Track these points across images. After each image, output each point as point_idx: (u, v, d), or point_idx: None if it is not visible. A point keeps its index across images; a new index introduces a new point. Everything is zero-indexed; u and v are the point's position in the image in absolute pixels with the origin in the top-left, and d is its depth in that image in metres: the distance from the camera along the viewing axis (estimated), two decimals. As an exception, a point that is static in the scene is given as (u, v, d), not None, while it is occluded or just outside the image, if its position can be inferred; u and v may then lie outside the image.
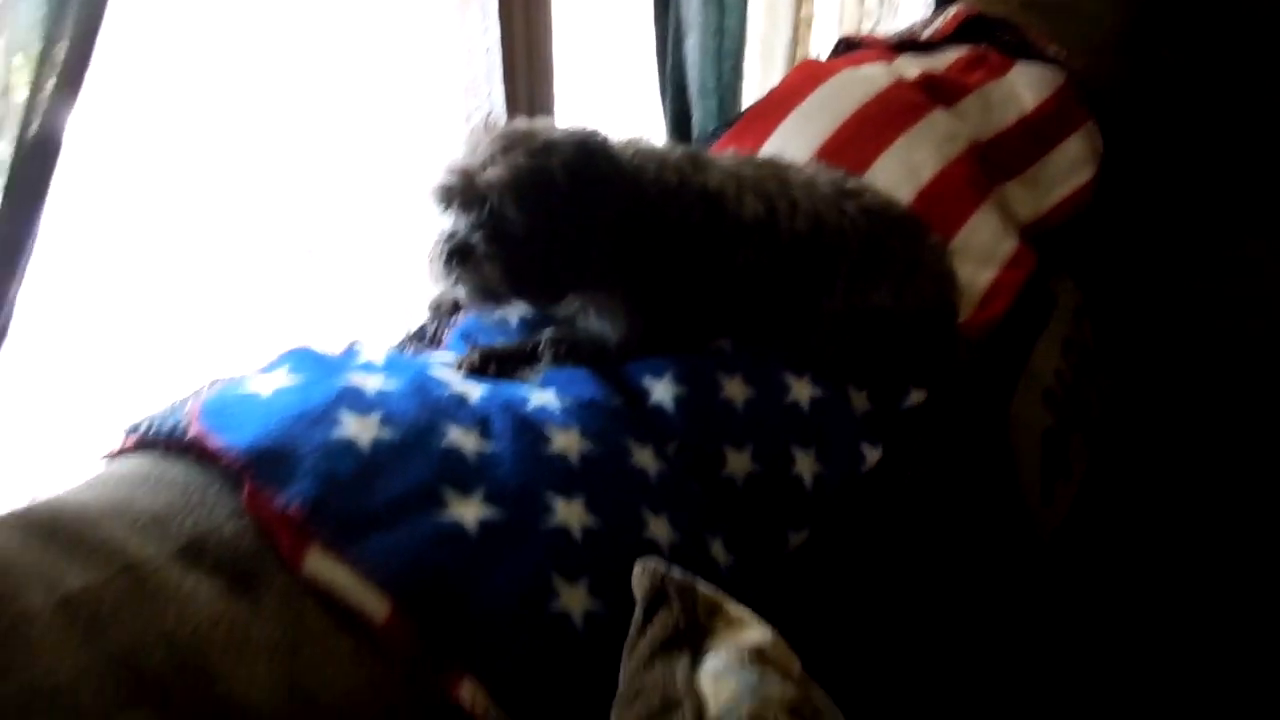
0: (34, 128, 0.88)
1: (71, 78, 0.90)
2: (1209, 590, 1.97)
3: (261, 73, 1.34)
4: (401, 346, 1.35)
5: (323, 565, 0.90)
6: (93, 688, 0.75)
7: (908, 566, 1.36)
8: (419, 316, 1.45)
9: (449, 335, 1.36)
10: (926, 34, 2.11)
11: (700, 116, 1.81)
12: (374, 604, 0.89)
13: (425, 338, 1.38)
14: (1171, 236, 2.47)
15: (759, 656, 0.77)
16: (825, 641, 1.03)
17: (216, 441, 0.96)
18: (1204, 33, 2.74)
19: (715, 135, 1.80)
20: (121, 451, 1.02)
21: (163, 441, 0.99)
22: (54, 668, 0.75)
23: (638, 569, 0.85)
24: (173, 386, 1.10)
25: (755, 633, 0.80)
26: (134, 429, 1.02)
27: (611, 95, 1.91)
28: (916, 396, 1.38)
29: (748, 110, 1.82)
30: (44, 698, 0.73)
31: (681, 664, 0.76)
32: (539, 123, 1.26)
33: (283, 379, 1.06)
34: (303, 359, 1.11)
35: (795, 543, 1.22)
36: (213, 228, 1.36)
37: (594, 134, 1.25)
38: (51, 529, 0.88)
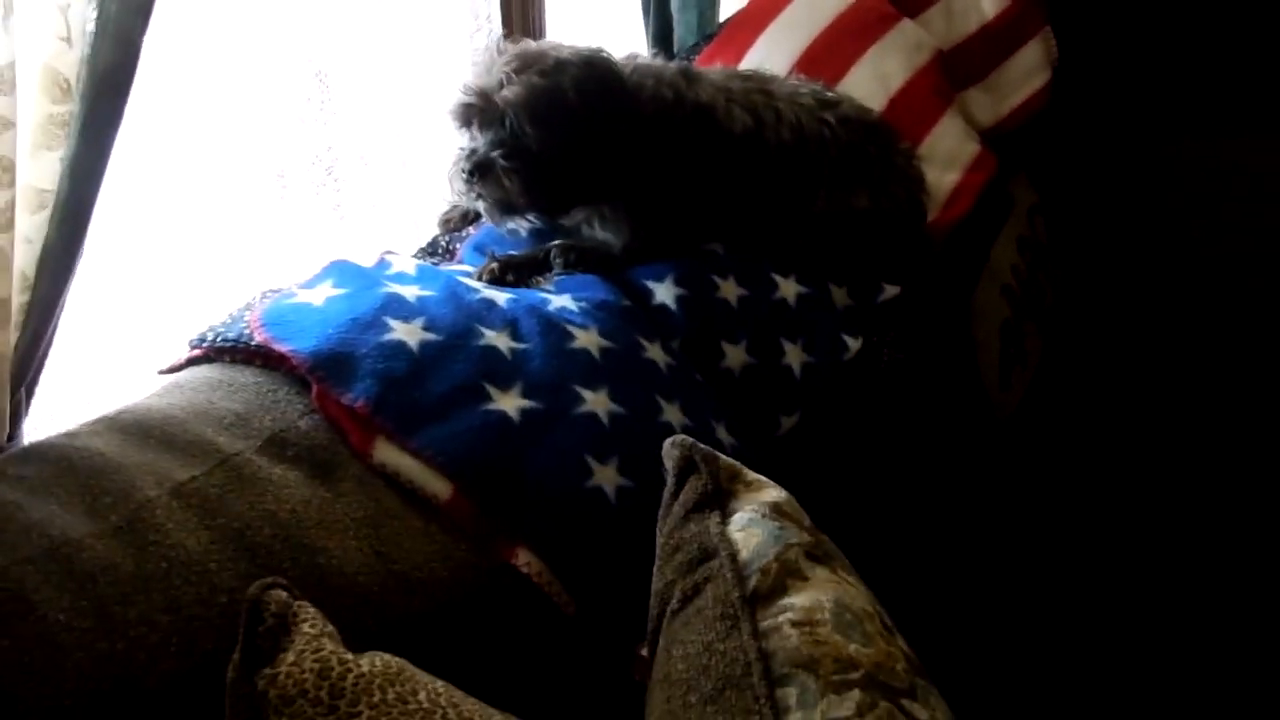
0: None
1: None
2: (1155, 472, 2.16)
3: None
4: (417, 258, 1.45)
5: (390, 454, 1.02)
6: (217, 559, 0.88)
7: (884, 445, 1.52)
8: (428, 231, 1.55)
9: (462, 248, 1.46)
10: (893, -57, 2.18)
11: (681, 31, 1.90)
12: (437, 485, 1.02)
13: (437, 251, 1.49)
14: (1120, 136, 2.60)
15: (777, 510, 0.91)
16: (816, 511, 1.18)
17: (283, 347, 1.06)
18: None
19: (695, 49, 1.88)
20: (189, 362, 1.13)
21: (229, 349, 1.10)
22: (183, 543, 0.87)
23: (667, 444, 0.98)
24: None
25: (772, 492, 0.94)
26: (199, 340, 1.12)
27: (597, 10, 1.98)
28: (891, 291, 1.51)
29: (726, 23, 1.91)
30: (180, 569, 0.85)
31: (713, 519, 0.90)
32: (546, 43, 1.35)
33: (330, 290, 1.17)
34: (345, 271, 1.21)
35: (787, 426, 1.37)
36: (204, 153, 1.41)
37: (599, 53, 1.34)
38: (144, 431, 0.99)
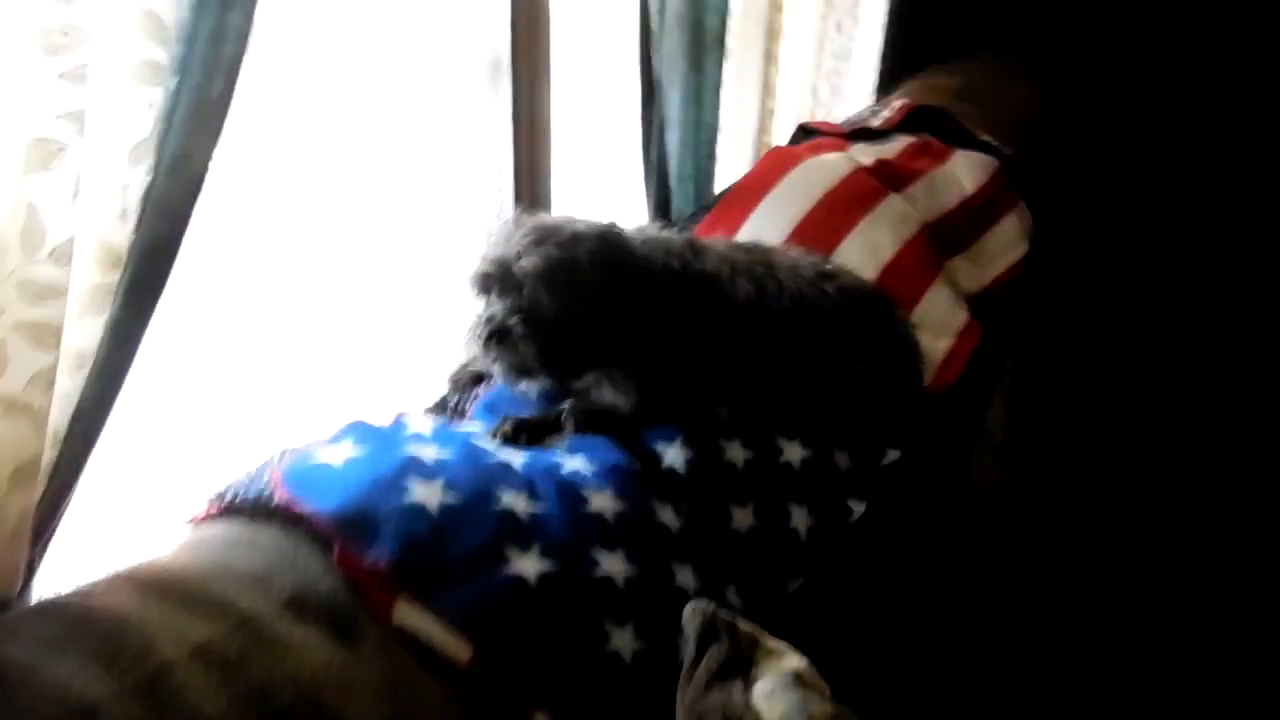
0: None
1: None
2: (1144, 618, 2.18)
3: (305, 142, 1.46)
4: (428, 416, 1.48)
5: (410, 615, 1.03)
6: (237, 724, 0.87)
7: (887, 603, 1.52)
8: (438, 390, 1.59)
9: (472, 407, 1.50)
10: (877, 123, 2.33)
11: (679, 201, 2.00)
12: (457, 647, 1.02)
13: (447, 409, 1.52)
14: (1095, 298, 2.74)
15: (799, 679, 0.92)
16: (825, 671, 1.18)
17: (304, 507, 1.08)
18: (1108, 112, 3.06)
19: (694, 218, 1.98)
20: (207, 517, 1.13)
21: (249, 507, 1.11)
22: (201, 706, 0.87)
23: (688, 610, 1.00)
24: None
25: (793, 660, 0.95)
26: (219, 496, 1.14)
27: (601, 180, 2.08)
28: (893, 455, 1.55)
29: (723, 194, 2.01)
30: (199, 734, 0.85)
31: (736, 688, 0.91)
32: (562, 217, 1.42)
33: (350, 450, 1.19)
34: (363, 431, 1.24)
35: (793, 588, 1.38)
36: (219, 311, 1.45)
37: (612, 226, 1.41)
38: (163, 588, 1.00)
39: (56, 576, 1.22)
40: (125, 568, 1.03)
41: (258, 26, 1.09)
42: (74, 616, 0.94)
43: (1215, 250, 3.09)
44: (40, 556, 1.08)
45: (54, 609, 0.96)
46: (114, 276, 1.00)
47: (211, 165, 1.09)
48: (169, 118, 1.03)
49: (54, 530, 1.08)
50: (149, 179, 1.02)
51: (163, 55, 0.98)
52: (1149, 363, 2.82)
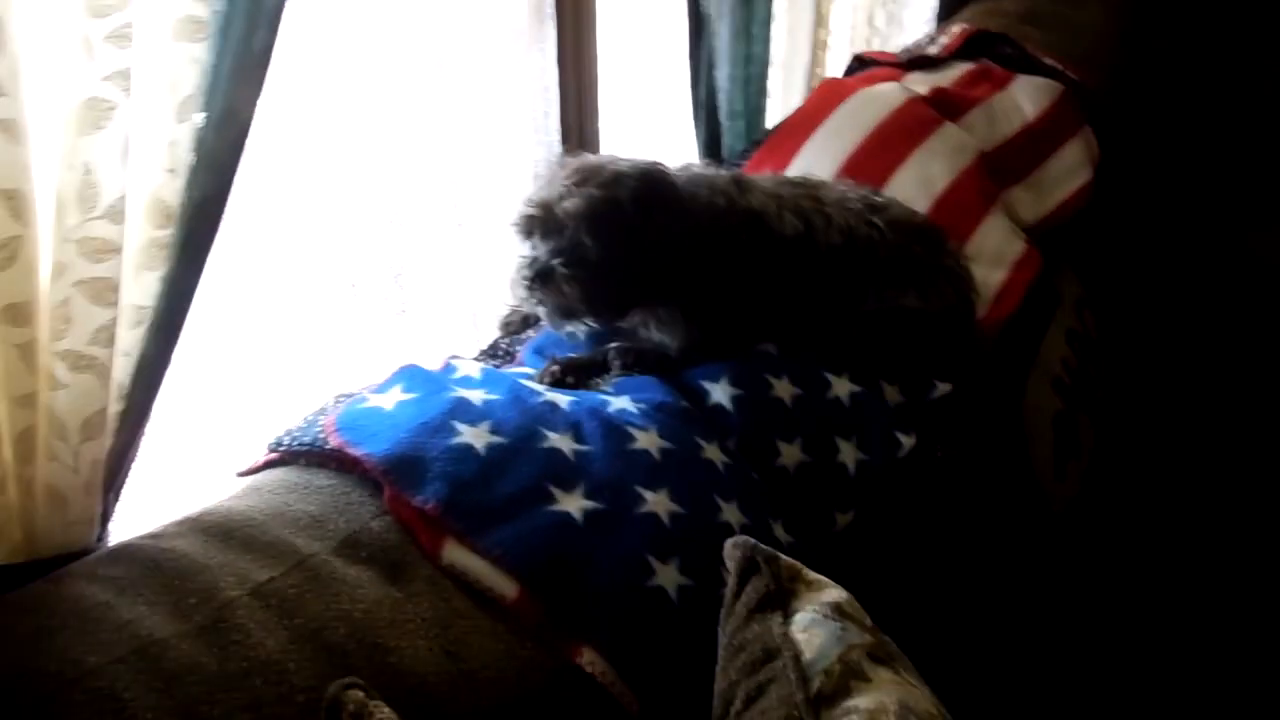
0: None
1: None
2: (1208, 561, 2.14)
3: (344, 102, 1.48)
4: (478, 361, 1.51)
5: (459, 554, 1.06)
6: (295, 659, 0.91)
7: (939, 541, 1.52)
8: (490, 334, 1.61)
9: (522, 350, 1.52)
10: (933, 50, 2.26)
11: (730, 138, 1.97)
12: (504, 586, 1.05)
13: (498, 354, 1.54)
14: (1167, 231, 2.64)
15: (839, 611, 0.93)
16: (871, 607, 1.19)
17: (356, 451, 1.11)
18: (1190, 37, 2.91)
19: (744, 154, 1.96)
20: (266, 464, 1.18)
21: (304, 453, 1.15)
22: (263, 643, 0.91)
23: (729, 545, 1.01)
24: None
25: (833, 592, 0.96)
26: (276, 444, 1.18)
27: (650, 120, 2.07)
28: (943, 388, 1.54)
29: (774, 130, 1.98)
30: (260, 669, 0.89)
31: (776, 620, 0.92)
32: (605, 157, 1.42)
33: (400, 394, 1.22)
34: (413, 376, 1.27)
35: (842, 523, 1.38)
36: (283, 265, 1.49)
37: (655, 165, 1.41)
38: (226, 532, 1.04)
39: (130, 522, 1.30)
40: (190, 513, 1.08)
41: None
42: (145, 560, 0.99)
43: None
44: (113, 505, 1.13)
45: (126, 553, 1.01)
46: (167, 232, 1.03)
47: (256, 118, 1.11)
48: (213, 73, 1.05)
49: (125, 479, 1.13)
50: (197, 135, 1.05)
51: (203, 10, 1.00)
52: (1218, 295, 2.71)
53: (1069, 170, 2.13)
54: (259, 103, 1.11)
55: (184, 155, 1.03)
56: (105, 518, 1.11)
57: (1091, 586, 1.97)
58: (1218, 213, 2.80)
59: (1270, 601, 2.05)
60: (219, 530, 1.04)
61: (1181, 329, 2.62)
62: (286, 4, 1.10)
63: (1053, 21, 2.49)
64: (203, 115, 1.03)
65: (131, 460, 1.13)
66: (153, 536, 1.04)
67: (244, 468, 1.20)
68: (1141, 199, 2.50)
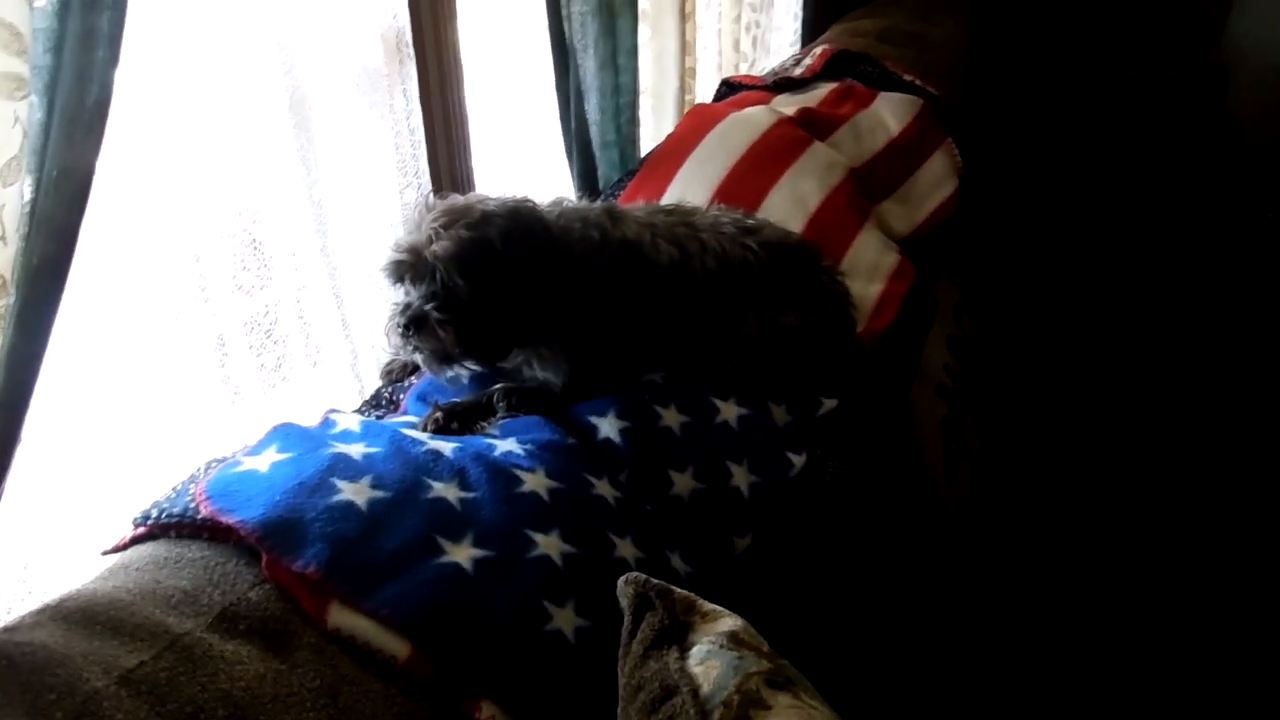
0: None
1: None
2: (1101, 546, 2.22)
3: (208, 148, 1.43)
4: (361, 413, 1.46)
5: (345, 618, 1.01)
6: (169, 749, 0.86)
7: (838, 557, 1.53)
8: (372, 384, 1.57)
9: (406, 398, 1.48)
10: (799, 72, 2.31)
11: (605, 169, 1.97)
12: (395, 645, 1.01)
13: (382, 403, 1.50)
14: (1032, 230, 2.76)
15: (735, 640, 0.92)
16: (774, 629, 1.19)
17: (230, 519, 1.06)
18: (1030, 45, 3.08)
19: (620, 184, 1.96)
20: (133, 540, 1.11)
21: (174, 525, 1.09)
22: (132, 736, 0.85)
23: (621, 582, 0.99)
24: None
25: (728, 621, 0.95)
26: (144, 518, 1.11)
27: (521, 157, 2.05)
28: (829, 404, 1.55)
29: (647, 158, 1.99)
30: (130, 763, 0.83)
31: (673, 655, 0.91)
32: (473, 196, 1.40)
33: (275, 454, 1.17)
34: (288, 434, 1.22)
35: (740, 548, 1.38)
36: (143, 321, 1.42)
37: (524, 201, 1.39)
38: (89, 617, 0.97)
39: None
40: (52, 600, 1.01)
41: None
42: (-4, 658, 0.92)
43: (1143, 176, 3.14)
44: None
45: (-25, 648, 0.94)
46: (2, 303, 0.97)
47: (95, 176, 1.06)
48: (44, 130, 1.00)
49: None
50: (29, 197, 0.99)
51: (23, 67, 0.94)
52: (1088, 290, 2.86)
53: (935, 181, 2.20)
54: (98, 159, 1.06)
55: (15, 220, 0.97)
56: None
57: (993, 589, 2.01)
58: (1078, 207, 2.95)
59: (1158, 582, 2.13)
60: (81, 616, 0.97)
61: (1054, 325, 2.73)
62: (120, 57, 1.06)
63: (908, 39, 2.58)
64: (32, 177, 0.98)
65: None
66: (5, 630, 0.96)
67: (109, 546, 1.13)
68: (1004, 202, 2.60)
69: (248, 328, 1.51)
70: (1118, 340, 2.79)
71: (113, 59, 1.05)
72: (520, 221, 1.35)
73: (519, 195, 1.41)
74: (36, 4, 0.95)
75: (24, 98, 0.94)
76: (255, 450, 1.20)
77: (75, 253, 1.05)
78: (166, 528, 1.10)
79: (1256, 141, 3.24)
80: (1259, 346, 2.79)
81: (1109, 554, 2.21)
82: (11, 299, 0.98)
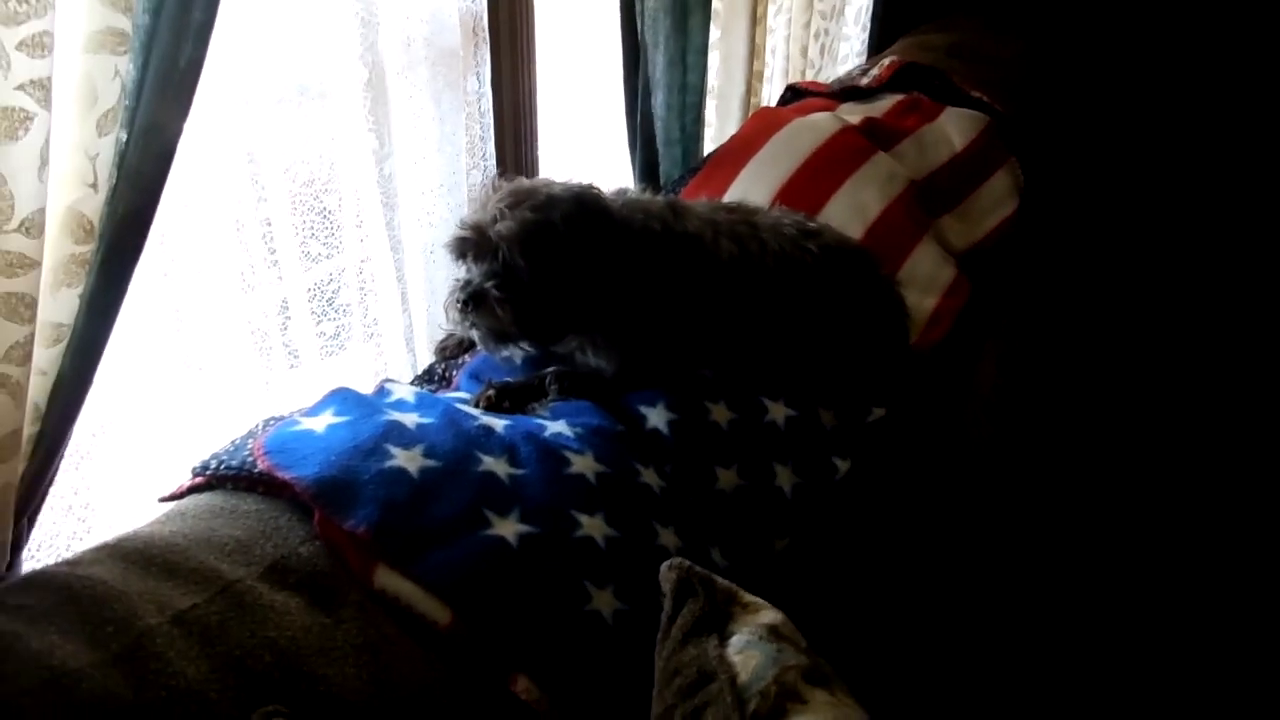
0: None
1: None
2: (1134, 557, 2.19)
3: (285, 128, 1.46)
4: (415, 385, 1.48)
5: (390, 580, 1.04)
6: (217, 687, 0.88)
7: (875, 559, 1.53)
8: (425, 359, 1.59)
9: (458, 375, 1.50)
10: (865, 82, 2.31)
11: (667, 165, 1.99)
12: (437, 611, 1.03)
13: (435, 378, 1.53)
14: (1088, 252, 2.73)
15: (774, 633, 0.93)
16: (809, 628, 1.19)
17: (285, 475, 1.09)
18: (1098, 67, 3.05)
19: (681, 181, 1.97)
20: (191, 489, 1.14)
21: (231, 477, 1.12)
22: (183, 671, 0.88)
23: (664, 568, 1.00)
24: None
25: (768, 614, 0.96)
26: (203, 468, 1.14)
27: (587, 146, 2.07)
28: (878, 413, 1.55)
29: (709, 158, 2.00)
30: (180, 699, 0.86)
31: (712, 643, 0.92)
32: (539, 180, 1.42)
33: (331, 417, 1.20)
34: (345, 399, 1.24)
35: (779, 547, 1.38)
36: (210, 282, 1.45)
37: (589, 188, 1.41)
38: (147, 558, 1.00)
39: (46, 549, 1.25)
40: (109, 540, 1.04)
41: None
42: (59, 588, 0.95)
43: (1204, 203, 3.10)
44: (27, 532, 1.08)
45: (40, 581, 0.97)
46: (87, 248, 1.00)
47: (183, 133, 1.09)
48: (138, 87, 1.03)
49: (40, 505, 1.09)
50: (120, 149, 1.02)
51: (126, 23, 0.97)
52: (1139, 319, 2.82)
53: (997, 199, 2.19)
54: (185, 119, 1.09)
55: (106, 170, 1.00)
56: (17, 545, 1.07)
57: (1026, 602, 2.00)
58: (1137, 231, 2.93)
59: (1171, 586, 2.09)
60: (139, 557, 1.00)
61: (1107, 347, 2.70)
62: (216, 20, 1.09)
63: (977, 56, 2.57)
64: (124, 130, 1.01)
65: (48, 486, 1.09)
66: (68, 564, 1.00)
67: (167, 493, 1.16)
68: (1064, 224, 2.58)
69: (311, 295, 1.54)
70: (1170, 363, 2.75)
71: (208, 23, 1.08)
72: (584, 207, 1.37)
73: (584, 182, 1.42)
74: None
75: (125, 53, 0.97)
76: (313, 411, 1.22)
77: (158, 207, 1.08)
78: (224, 479, 1.12)
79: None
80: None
81: (1141, 564, 2.19)
82: (96, 246, 1.02)
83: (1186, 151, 3.15)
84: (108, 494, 1.32)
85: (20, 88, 0.87)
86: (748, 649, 0.91)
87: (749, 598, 0.99)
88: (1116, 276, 2.87)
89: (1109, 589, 2.13)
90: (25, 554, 1.10)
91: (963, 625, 1.70)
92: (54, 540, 1.26)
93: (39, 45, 0.88)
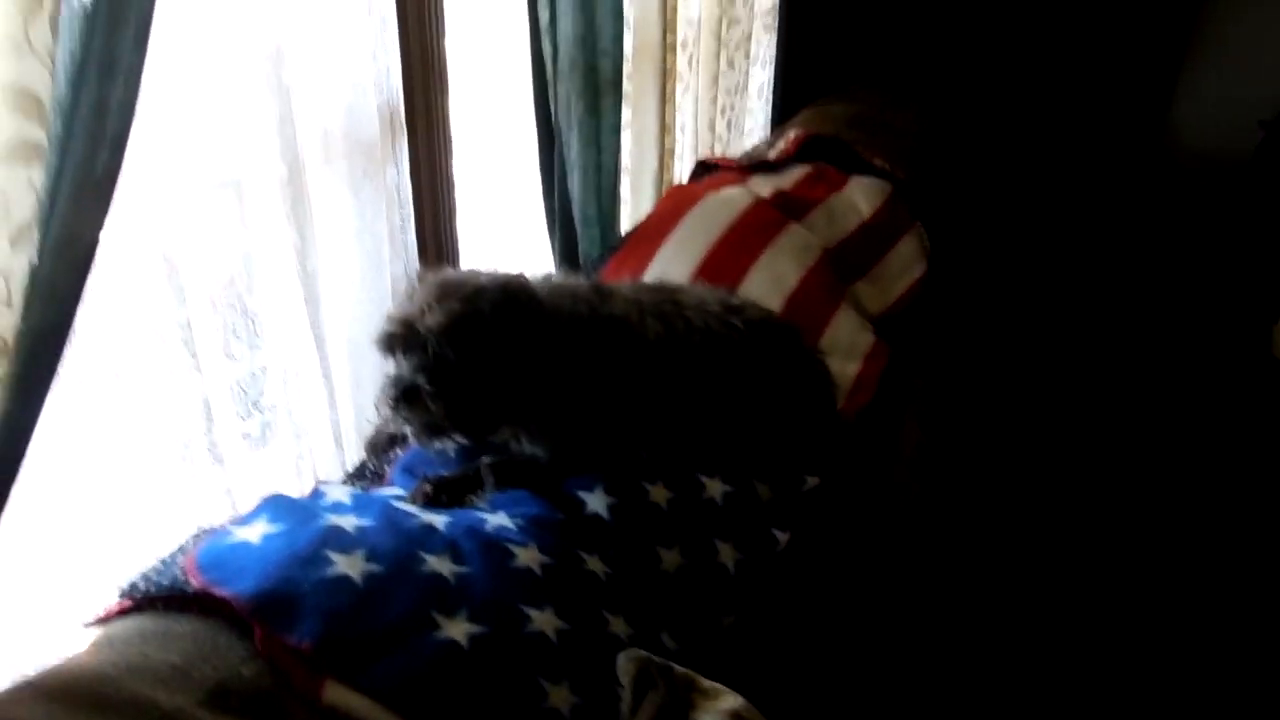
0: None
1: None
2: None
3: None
4: (347, 484, 1.45)
5: (340, 694, 1.00)
6: (163, 831, 0.83)
7: (822, 626, 1.54)
8: (355, 454, 1.56)
9: (391, 470, 1.47)
10: (772, 155, 2.38)
11: (585, 244, 2.00)
12: (390, 723, 0.99)
13: (367, 474, 1.49)
14: (994, 308, 2.85)
15: (737, 718, 0.93)
16: (762, 703, 1.19)
17: (223, 591, 1.04)
18: (989, 131, 3.23)
19: (601, 260, 1.99)
20: (119, 612, 1.09)
21: (162, 597, 1.07)
22: (123, 817, 0.83)
23: (622, 659, 0.99)
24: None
25: (729, 699, 0.95)
26: (130, 589, 1.09)
27: (507, 231, 2.08)
28: (811, 482, 1.57)
29: (628, 236, 2.03)
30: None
31: (677, 736, 0.91)
32: (466, 271, 1.41)
33: (266, 526, 1.16)
34: (279, 506, 1.20)
35: (727, 624, 1.38)
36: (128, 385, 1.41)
37: (517, 277, 1.41)
38: (75, 693, 0.95)
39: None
40: (33, 675, 0.98)
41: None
42: (-26, 734, 0.89)
43: (1091, 250, 3.30)
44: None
45: (-48, 728, 0.91)
46: (1, 368, 0.96)
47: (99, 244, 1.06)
48: (51, 198, 1.00)
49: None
50: (34, 264, 0.99)
51: (40, 134, 0.95)
52: (1048, 366, 2.95)
53: (906, 264, 2.27)
54: (102, 229, 1.06)
55: (19, 286, 0.96)
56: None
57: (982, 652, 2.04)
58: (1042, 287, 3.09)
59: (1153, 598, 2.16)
60: (65, 693, 0.95)
61: (1024, 404, 2.80)
62: (132, 127, 1.07)
63: (876, 126, 2.67)
64: (39, 244, 0.97)
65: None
66: (-15, 706, 0.94)
67: (92, 617, 1.10)
68: (969, 283, 2.68)
69: (234, 393, 1.50)
70: (1091, 419, 2.87)
71: (125, 128, 1.06)
72: (512, 296, 1.37)
73: (512, 271, 1.42)
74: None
75: (40, 165, 0.95)
76: (246, 521, 1.18)
77: (75, 321, 1.04)
78: (154, 599, 1.07)
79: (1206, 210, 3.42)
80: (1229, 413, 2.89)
81: (1076, 601, 2.25)
82: (10, 367, 0.98)
83: (1073, 206, 3.35)
84: (24, 619, 1.24)
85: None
86: (713, 739, 0.90)
87: (707, 683, 0.98)
88: (1022, 327, 3.00)
89: (1049, 631, 2.19)
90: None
91: (915, 679, 1.72)
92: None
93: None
